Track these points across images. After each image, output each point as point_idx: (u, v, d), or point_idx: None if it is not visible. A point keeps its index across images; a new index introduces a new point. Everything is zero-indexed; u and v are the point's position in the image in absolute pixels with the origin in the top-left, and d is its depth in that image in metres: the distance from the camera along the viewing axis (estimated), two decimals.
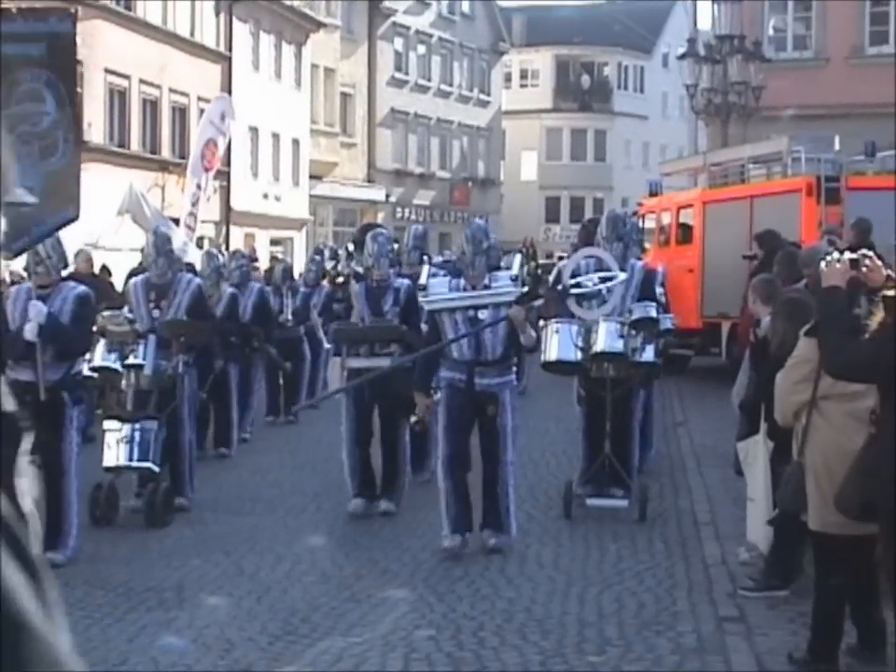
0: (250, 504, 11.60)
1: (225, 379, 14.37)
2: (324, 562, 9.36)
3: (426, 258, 13.00)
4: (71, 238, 16.85)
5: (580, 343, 10.50)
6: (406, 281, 11.30)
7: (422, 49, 56.70)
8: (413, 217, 52.92)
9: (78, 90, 9.54)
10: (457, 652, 7.12)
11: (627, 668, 6.84)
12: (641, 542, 9.75)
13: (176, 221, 24.26)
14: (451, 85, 59.02)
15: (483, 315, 9.44)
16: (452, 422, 9.46)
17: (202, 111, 32.34)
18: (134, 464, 10.59)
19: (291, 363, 16.93)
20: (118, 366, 10.79)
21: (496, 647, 7.25)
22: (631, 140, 69.73)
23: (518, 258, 10.71)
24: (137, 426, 10.59)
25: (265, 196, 42.08)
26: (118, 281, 17.37)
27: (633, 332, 10.53)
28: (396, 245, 12.55)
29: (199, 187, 26.28)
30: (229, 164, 37.24)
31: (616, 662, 6.96)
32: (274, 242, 42.30)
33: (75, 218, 9.24)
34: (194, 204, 26.03)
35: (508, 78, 67.07)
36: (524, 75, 69.26)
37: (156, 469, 10.61)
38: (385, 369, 10.41)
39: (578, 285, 10.14)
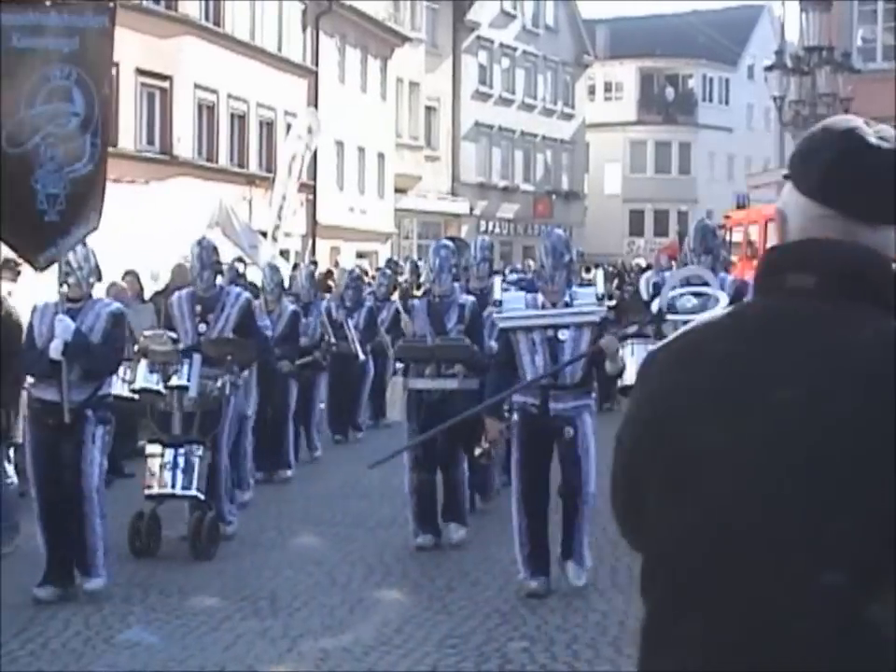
0: (341, 515, 11.68)
1: (285, 398, 13.89)
2: (415, 573, 9.42)
3: (496, 272, 12.36)
4: (163, 252, 17.12)
5: None
6: (471, 297, 10.63)
7: (506, 62, 56.75)
8: (496, 230, 53.02)
9: (108, 90, 8.83)
10: (551, 664, 7.14)
11: None
12: None
13: (264, 235, 24.49)
14: (535, 98, 59.01)
15: (562, 335, 8.69)
16: (526, 455, 8.75)
17: (289, 125, 32.61)
18: (179, 492, 9.97)
19: (349, 381, 16.49)
20: (160, 387, 10.14)
21: (590, 659, 7.26)
22: (715, 152, 69.31)
23: (601, 273, 9.78)
24: (181, 450, 10.00)
25: (351, 209, 42.30)
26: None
27: None
28: (457, 259, 11.86)
29: (285, 199, 26.48)
30: (315, 178, 37.50)
31: None
32: (360, 255, 42.47)
33: (95, 229, 8.69)
34: (280, 218, 26.24)
35: (592, 91, 66.96)
36: (608, 87, 69.09)
37: (201, 496, 10.00)
38: (475, 410, 8.60)
39: (672, 307, 9.62)
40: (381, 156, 44.85)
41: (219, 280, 10.94)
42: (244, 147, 36.13)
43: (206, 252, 10.67)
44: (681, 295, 9.66)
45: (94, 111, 8.60)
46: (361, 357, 16.37)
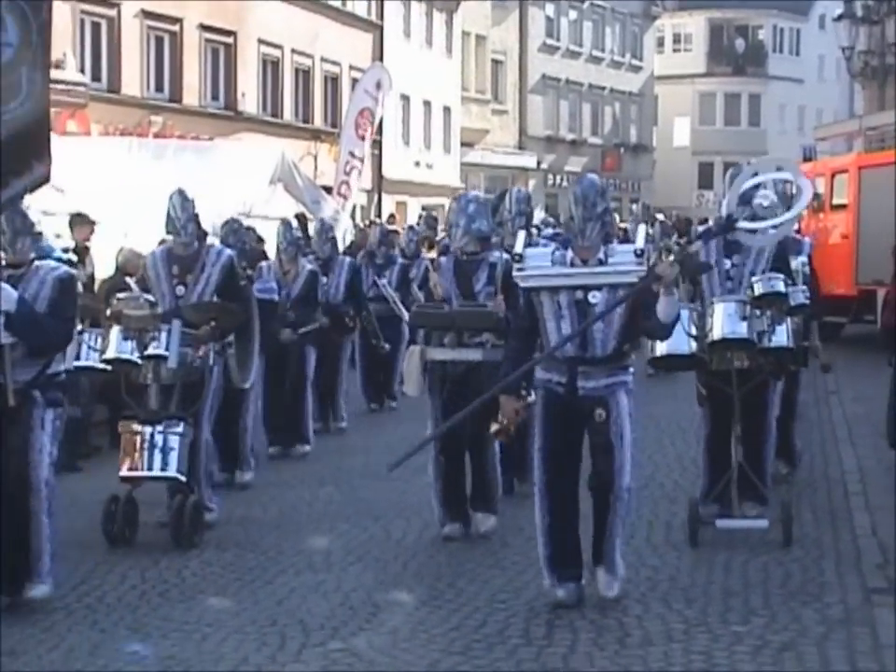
0: (399, 469, 11.67)
1: (301, 367, 12.75)
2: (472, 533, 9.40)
3: (533, 227, 10.96)
4: (225, 207, 17.15)
5: (693, 331, 8.69)
6: (504, 255, 9.18)
7: (573, 14, 56.34)
8: (563, 183, 52.75)
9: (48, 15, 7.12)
10: (601, 619, 7.13)
11: (772, 638, 6.79)
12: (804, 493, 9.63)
13: (328, 190, 24.49)
14: (603, 51, 58.59)
15: (593, 297, 7.31)
16: (550, 440, 7.43)
17: (353, 80, 32.63)
18: (156, 473, 9.02)
19: (389, 344, 14.99)
20: (135, 357, 9.09)
21: (639, 615, 7.25)
22: (786, 104, 68.50)
23: (642, 228, 8.12)
24: (159, 427, 9.00)
25: (416, 164, 42.29)
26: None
27: (757, 312, 8.64)
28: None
29: (352, 155, 26.45)
30: (380, 133, 37.48)
31: (761, 631, 6.91)
32: (426, 209, 42.47)
33: (46, 179, 7.37)
34: (348, 173, 26.21)
35: (660, 43, 66.35)
36: (676, 39, 68.41)
37: (182, 478, 9.06)
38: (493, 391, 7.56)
39: (747, 205, 8.45)
40: (447, 110, 44.75)
41: (215, 240, 10.12)
42: (308, 103, 36.19)
43: (189, 202, 9.52)
44: (756, 188, 8.53)
45: (31, 40, 7.14)
46: (405, 316, 14.52)
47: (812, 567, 8.21)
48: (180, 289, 9.50)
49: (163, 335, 9.06)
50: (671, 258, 7.40)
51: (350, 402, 14.80)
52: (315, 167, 32.09)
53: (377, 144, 37.30)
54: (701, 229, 9.30)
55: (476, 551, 8.74)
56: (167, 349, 9.03)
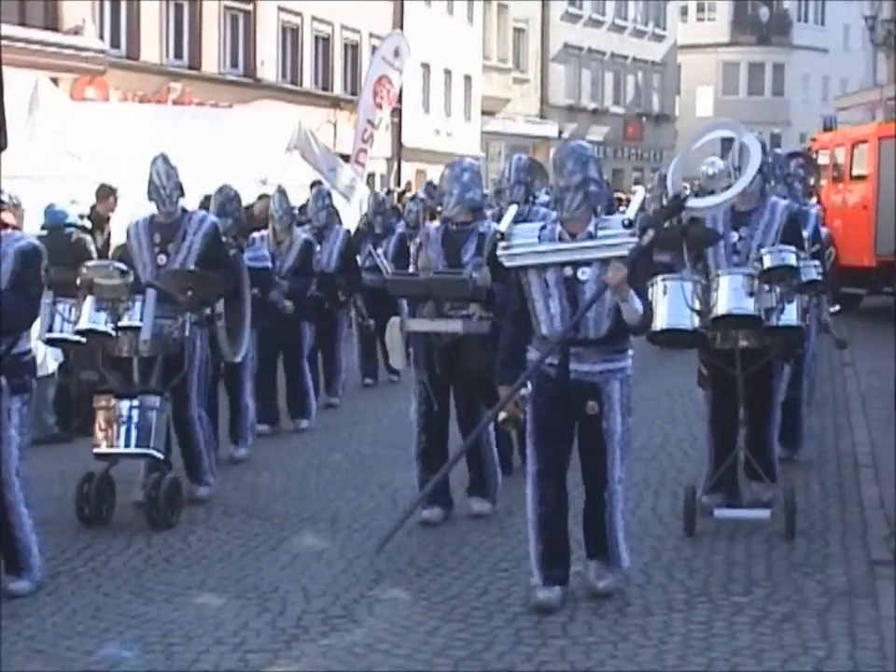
0: (408, 438, 11.70)
1: (296, 340, 12.39)
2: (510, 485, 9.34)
3: (533, 196, 10.33)
4: (241, 175, 17.15)
5: (696, 305, 7.99)
6: (494, 225, 8.53)
7: None
8: None
9: None
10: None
11: (773, 609, 6.79)
12: (797, 483, 9.58)
13: (347, 158, 24.47)
14: (625, 19, 58.32)
15: (583, 273, 6.81)
16: (541, 427, 6.94)
17: (373, 48, 32.55)
18: (132, 450, 8.63)
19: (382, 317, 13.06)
20: (109, 328, 8.66)
21: (641, 584, 7.25)
22: (810, 74, 68.16)
23: (640, 192, 7.62)
24: (135, 402, 8.61)
25: (437, 132, 42.20)
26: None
27: (766, 287, 8.03)
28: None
29: (370, 123, 26.42)
30: (400, 100, 37.39)
31: (762, 602, 6.91)
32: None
33: (2, 146, 7.06)
34: (365, 141, 26.20)
35: (684, 12, 66.01)
36: (700, 8, 68.05)
37: (159, 455, 8.69)
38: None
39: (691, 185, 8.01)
40: (468, 78, 44.64)
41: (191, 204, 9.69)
42: (328, 70, 36.14)
43: (173, 168, 9.24)
44: (701, 159, 7.93)
45: None
46: None
47: (817, 538, 8.19)
48: (162, 258, 9.19)
49: (137, 305, 8.68)
50: (649, 235, 6.79)
51: (353, 375, 14.77)
52: (335, 135, 32.04)
53: (397, 112, 37.23)
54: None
55: (480, 519, 8.74)
56: (141, 320, 8.65)
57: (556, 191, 6.91)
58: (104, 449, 8.69)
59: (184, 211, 9.37)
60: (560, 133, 52.07)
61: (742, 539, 8.13)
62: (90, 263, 9.07)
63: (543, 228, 7.03)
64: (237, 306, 9.96)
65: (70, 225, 12.20)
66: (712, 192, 8.42)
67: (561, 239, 6.90)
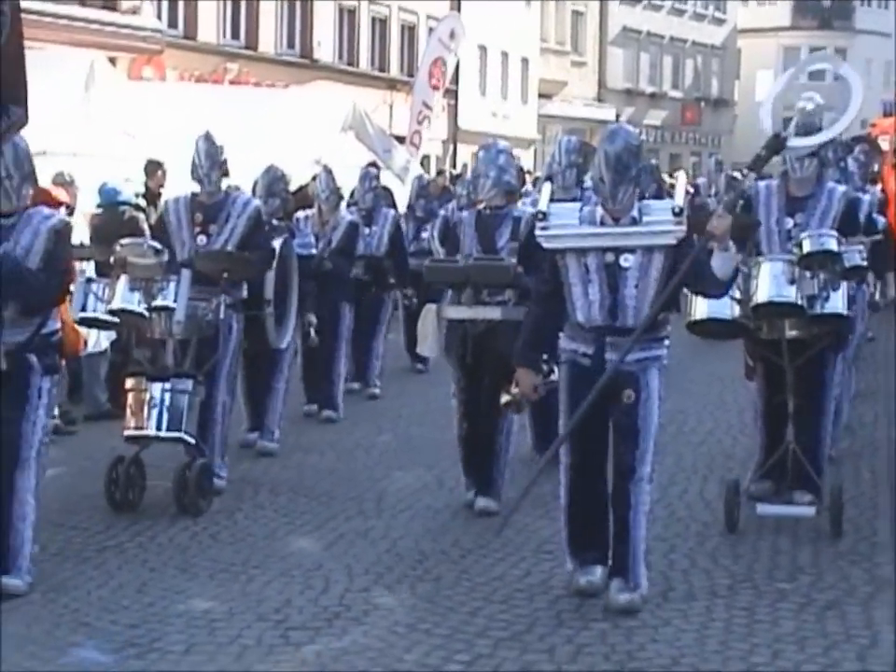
0: None
1: (335, 322, 11.88)
2: (522, 479, 9.36)
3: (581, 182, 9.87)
4: (296, 156, 17.18)
5: (736, 294, 7.66)
6: (529, 209, 8.59)
7: None
8: (643, 137, 52.08)
9: None
10: (646, 573, 7.10)
11: (817, 596, 6.75)
12: (847, 471, 9.54)
13: (402, 140, 24.47)
14: (685, 2, 57.91)
15: (626, 260, 6.57)
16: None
17: (430, 29, 32.46)
18: (163, 434, 8.45)
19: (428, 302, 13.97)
20: (142, 309, 8.50)
21: (685, 569, 7.23)
22: (873, 59, 67.28)
23: (682, 177, 7.46)
24: (167, 385, 8.44)
25: (493, 114, 42.12)
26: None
27: (807, 274, 7.66)
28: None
29: (426, 105, 26.40)
30: (457, 83, 37.37)
31: (806, 589, 6.87)
32: None
33: (23, 122, 6.87)
34: (420, 123, 26.17)
35: None
36: None
37: (190, 440, 8.54)
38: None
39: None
40: (525, 61, 44.54)
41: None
42: (385, 52, 36.13)
43: (214, 148, 9.00)
44: (799, 92, 7.40)
45: None
46: None
47: (865, 526, 8.13)
48: (202, 239, 8.96)
49: (171, 286, 8.49)
50: (721, 206, 6.80)
51: (402, 359, 14.63)
52: (391, 116, 32.04)
53: (453, 94, 37.20)
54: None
55: (526, 501, 8.68)
56: (175, 301, 8.46)
57: (609, 185, 6.54)
58: (134, 431, 8.52)
59: (227, 193, 9.15)
60: (617, 116, 51.78)
61: (789, 527, 8.07)
62: (124, 241, 8.83)
63: (582, 209, 6.81)
64: (284, 292, 9.86)
65: (124, 203, 12.27)
66: (810, 132, 7.98)
67: (603, 223, 6.65)
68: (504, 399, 6.92)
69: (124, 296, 8.48)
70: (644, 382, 6.61)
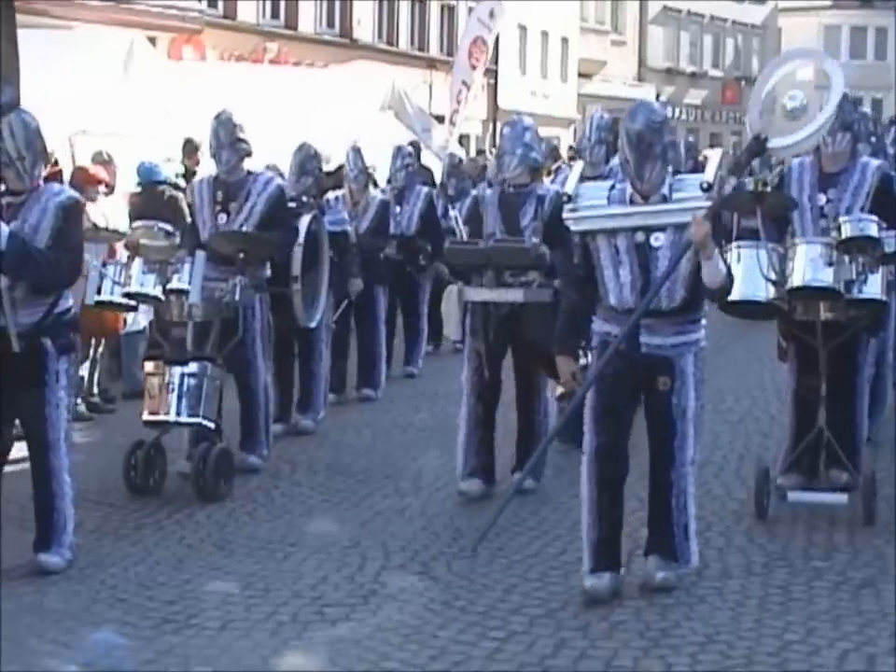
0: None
1: (370, 304, 11.79)
2: (558, 458, 9.38)
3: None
4: (335, 134, 17.21)
5: (771, 276, 7.48)
6: (554, 188, 8.49)
7: None
8: (682, 116, 52.13)
9: None
10: None
11: (852, 575, 6.74)
12: (884, 450, 9.50)
13: (442, 119, 24.44)
14: None
15: (656, 240, 6.39)
16: (603, 401, 6.45)
17: (470, 9, 32.37)
18: (182, 418, 8.35)
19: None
20: (157, 291, 8.44)
21: (721, 547, 7.24)
22: None
23: (716, 154, 7.17)
24: (186, 370, 8.32)
25: (533, 94, 42.04)
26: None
27: (846, 258, 7.46)
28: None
29: (465, 84, 26.34)
30: (497, 62, 37.28)
31: (842, 567, 6.86)
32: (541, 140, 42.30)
33: (15, 102, 6.70)
34: (459, 102, 26.12)
35: None
36: None
37: (209, 424, 8.39)
38: None
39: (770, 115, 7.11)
40: (565, 40, 44.44)
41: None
42: (424, 31, 36.09)
43: (225, 127, 8.82)
44: (782, 91, 7.13)
45: None
46: None
47: None
48: (222, 217, 8.85)
49: (187, 267, 8.37)
50: (702, 213, 6.29)
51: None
52: (430, 96, 32.01)
53: (493, 73, 37.13)
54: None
55: (562, 479, 8.72)
56: (190, 283, 8.31)
57: (634, 165, 6.35)
58: (152, 416, 8.42)
59: (249, 172, 9.04)
60: (658, 96, 51.59)
61: (825, 505, 8.03)
62: (137, 224, 8.79)
63: (612, 188, 6.59)
64: (315, 270, 9.74)
65: (162, 182, 12.32)
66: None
67: (632, 202, 6.45)
68: (558, 391, 6.65)
69: (139, 278, 8.43)
70: (679, 369, 6.44)
